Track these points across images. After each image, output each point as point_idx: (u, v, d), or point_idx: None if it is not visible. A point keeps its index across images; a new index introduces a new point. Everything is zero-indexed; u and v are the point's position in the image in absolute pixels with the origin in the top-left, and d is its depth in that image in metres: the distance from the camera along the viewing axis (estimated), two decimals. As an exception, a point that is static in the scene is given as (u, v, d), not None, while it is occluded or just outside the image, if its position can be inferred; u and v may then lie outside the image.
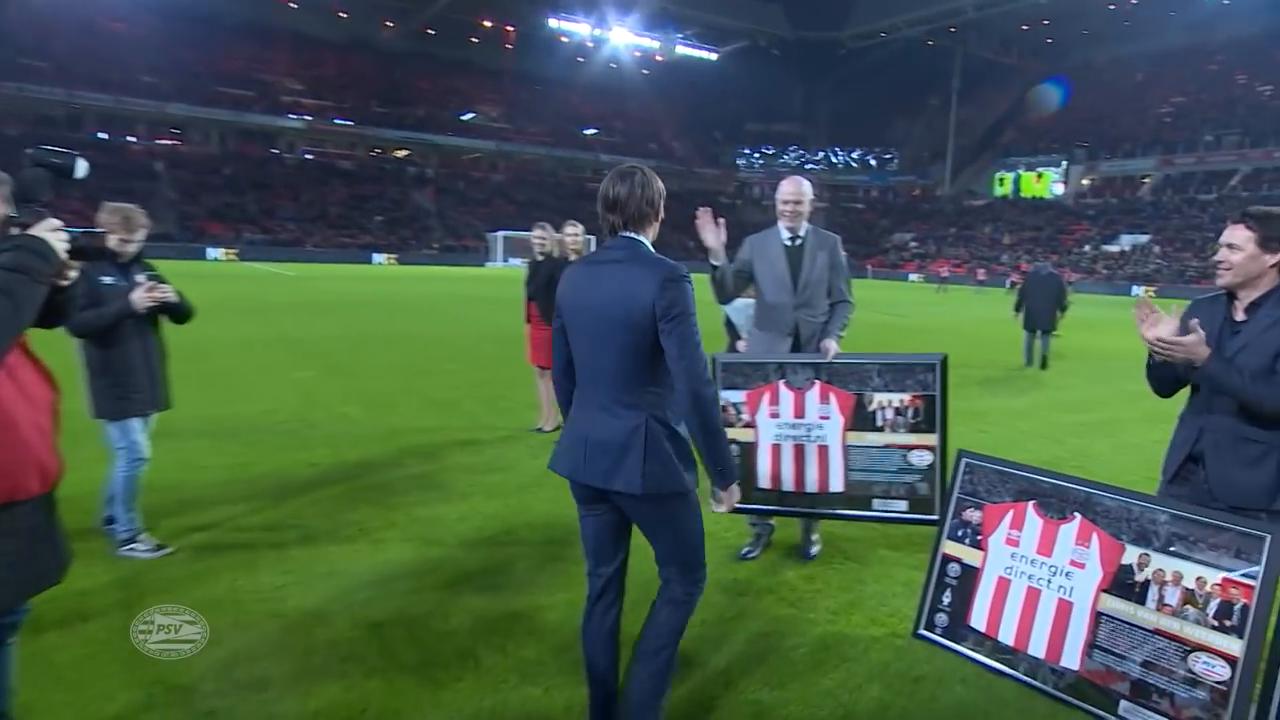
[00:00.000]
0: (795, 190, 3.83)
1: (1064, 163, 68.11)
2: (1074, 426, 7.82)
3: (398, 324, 14.90)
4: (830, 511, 3.84)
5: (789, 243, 3.87)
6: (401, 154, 67.67)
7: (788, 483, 3.83)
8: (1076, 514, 2.79)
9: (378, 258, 51.24)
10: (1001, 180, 73.04)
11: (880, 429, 3.73)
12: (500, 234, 52.60)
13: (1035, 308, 12.65)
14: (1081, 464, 6.27)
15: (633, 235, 2.30)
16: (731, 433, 3.82)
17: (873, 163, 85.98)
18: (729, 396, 3.89)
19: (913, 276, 63.44)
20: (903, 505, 3.74)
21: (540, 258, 6.58)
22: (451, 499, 4.88)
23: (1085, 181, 67.25)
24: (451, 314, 17.71)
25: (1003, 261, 60.08)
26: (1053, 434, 7.46)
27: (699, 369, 2.18)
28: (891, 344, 14.32)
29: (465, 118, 71.88)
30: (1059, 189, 68.47)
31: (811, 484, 3.82)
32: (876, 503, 3.76)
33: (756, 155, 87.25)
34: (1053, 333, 12.70)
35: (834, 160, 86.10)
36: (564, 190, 72.85)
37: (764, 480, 3.87)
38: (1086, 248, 58.34)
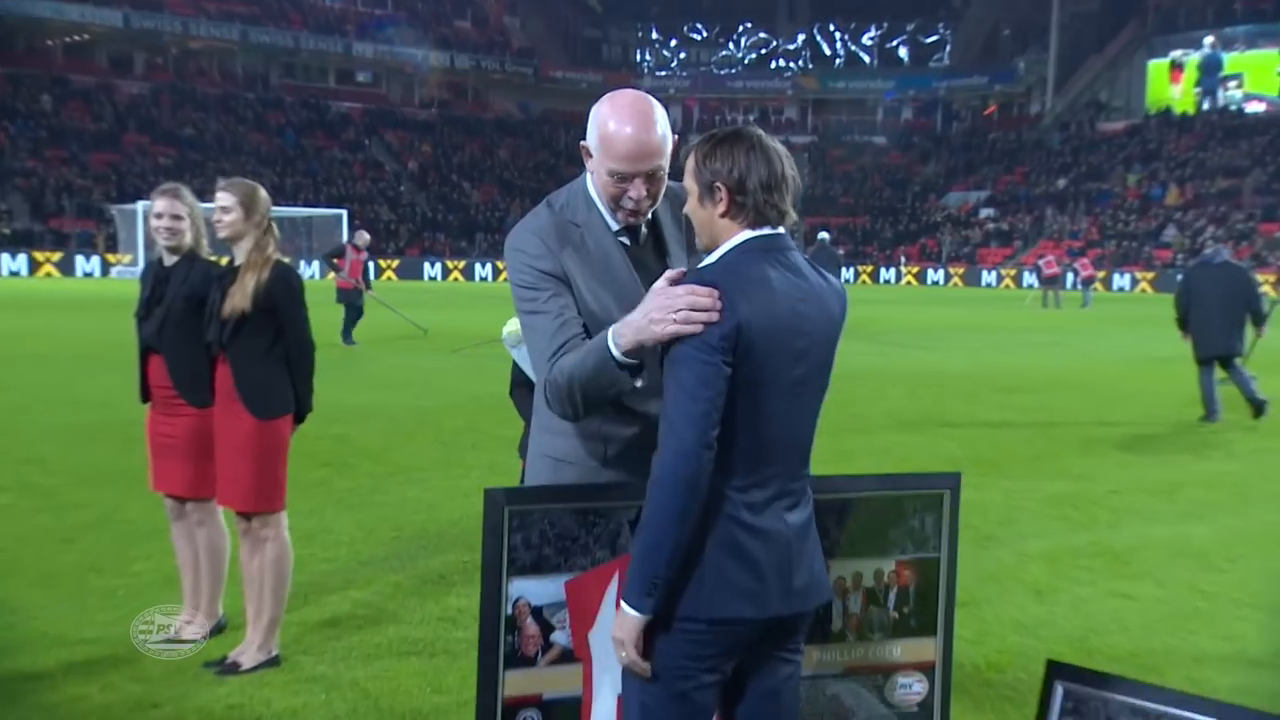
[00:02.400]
0: (643, 122, 3.53)
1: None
2: (1311, 577, 7.97)
3: None
4: None
5: (626, 240, 3.77)
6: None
7: None
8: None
9: None
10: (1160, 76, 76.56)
11: (838, 638, 3.79)
12: (140, 205, 52.57)
13: (1206, 321, 13.44)
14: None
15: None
16: (534, 677, 3.74)
17: (903, 55, 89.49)
18: (524, 590, 3.70)
19: (988, 277, 65.78)
20: None
21: (171, 259, 6.47)
22: None
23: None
24: (7, 383, 17.57)
25: (1167, 241, 62.97)
26: (1266, 600, 7.50)
27: None
28: (925, 412, 14.49)
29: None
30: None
31: None
32: None
33: (675, 45, 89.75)
34: (1243, 356, 13.67)
35: (825, 52, 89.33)
36: (285, 117, 72.92)
37: None
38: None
